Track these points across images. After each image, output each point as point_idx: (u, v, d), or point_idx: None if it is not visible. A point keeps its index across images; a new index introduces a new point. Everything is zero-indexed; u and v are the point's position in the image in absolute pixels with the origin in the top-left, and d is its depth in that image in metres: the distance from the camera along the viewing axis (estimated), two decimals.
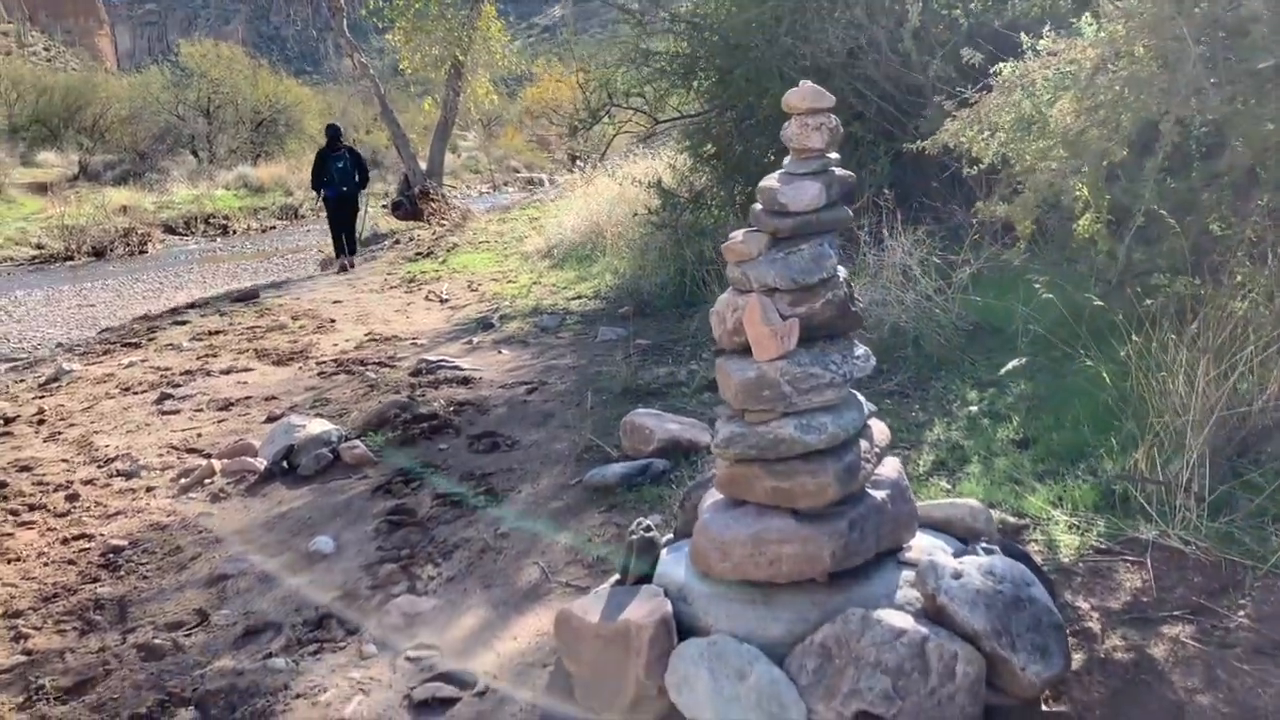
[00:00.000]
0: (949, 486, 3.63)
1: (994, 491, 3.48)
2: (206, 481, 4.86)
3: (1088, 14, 4.08)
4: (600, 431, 4.72)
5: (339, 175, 12.72)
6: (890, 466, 2.73)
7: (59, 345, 10.19)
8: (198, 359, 7.70)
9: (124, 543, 4.25)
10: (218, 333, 8.80)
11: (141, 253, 26.35)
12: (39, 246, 25.21)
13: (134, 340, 8.86)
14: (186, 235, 29.87)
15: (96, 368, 7.82)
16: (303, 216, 35.76)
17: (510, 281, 10.31)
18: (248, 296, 10.93)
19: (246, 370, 7.10)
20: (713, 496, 2.70)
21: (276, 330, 8.69)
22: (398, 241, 16.55)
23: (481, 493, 4.26)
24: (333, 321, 8.98)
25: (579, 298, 8.95)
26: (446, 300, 9.73)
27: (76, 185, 32.61)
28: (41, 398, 7.02)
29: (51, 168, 35.62)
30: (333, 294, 10.95)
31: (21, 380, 7.86)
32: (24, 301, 17.74)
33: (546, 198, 23.47)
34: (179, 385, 6.79)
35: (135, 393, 6.80)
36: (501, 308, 8.87)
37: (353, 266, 13.14)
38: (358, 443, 4.95)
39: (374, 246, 17.08)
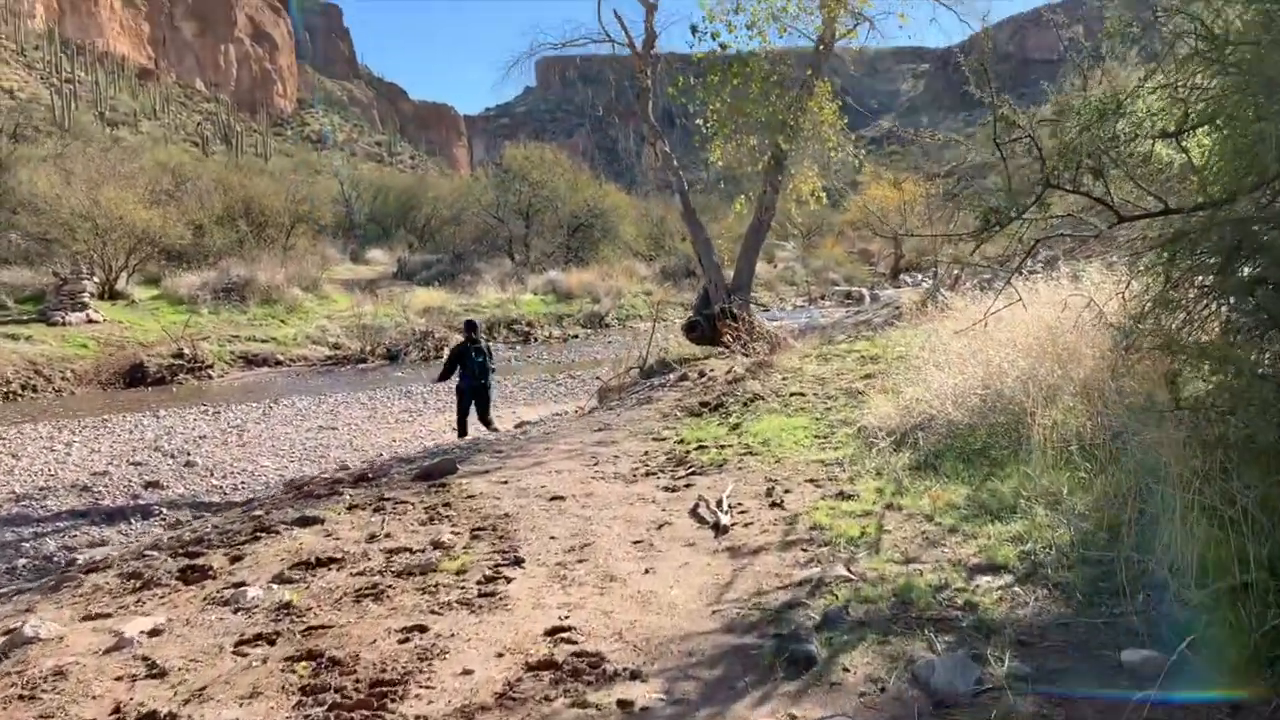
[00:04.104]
0: None
1: None
2: None
3: None
4: None
5: (477, 369, 12.89)
6: None
7: (154, 540, 7.11)
8: (230, 652, 3.90)
9: None
10: (329, 563, 5.07)
11: (436, 358, 24.88)
12: (335, 347, 24.38)
13: (206, 562, 5.32)
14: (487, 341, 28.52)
15: (75, 636, 4.26)
16: (607, 325, 33.64)
17: (843, 495, 5.78)
18: (439, 473, 7.31)
19: None
20: None
21: (415, 576, 4.78)
22: (685, 376, 12.64)
23: None
24: (519, 563, 4.93)
25: (991, 568, 4.26)
26: (725, 529, 5.40)
27: (392, 284, 32.69)
28: None
29: (378, 265, 36.42)
30: (560, 478, 7.04)
31: None
32: (273, 415, 15.82)
33: (874, 319, 18.81)
34: None
35: None
36: (828, 577, 4.39)
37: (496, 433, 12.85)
38: None
39: (655, 379, 13.31)
